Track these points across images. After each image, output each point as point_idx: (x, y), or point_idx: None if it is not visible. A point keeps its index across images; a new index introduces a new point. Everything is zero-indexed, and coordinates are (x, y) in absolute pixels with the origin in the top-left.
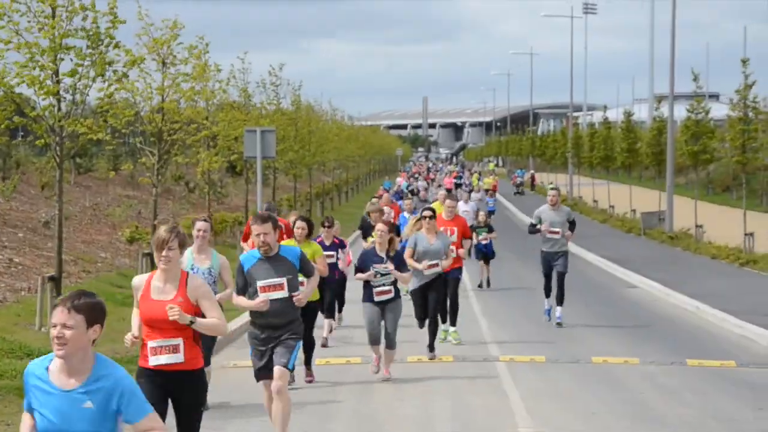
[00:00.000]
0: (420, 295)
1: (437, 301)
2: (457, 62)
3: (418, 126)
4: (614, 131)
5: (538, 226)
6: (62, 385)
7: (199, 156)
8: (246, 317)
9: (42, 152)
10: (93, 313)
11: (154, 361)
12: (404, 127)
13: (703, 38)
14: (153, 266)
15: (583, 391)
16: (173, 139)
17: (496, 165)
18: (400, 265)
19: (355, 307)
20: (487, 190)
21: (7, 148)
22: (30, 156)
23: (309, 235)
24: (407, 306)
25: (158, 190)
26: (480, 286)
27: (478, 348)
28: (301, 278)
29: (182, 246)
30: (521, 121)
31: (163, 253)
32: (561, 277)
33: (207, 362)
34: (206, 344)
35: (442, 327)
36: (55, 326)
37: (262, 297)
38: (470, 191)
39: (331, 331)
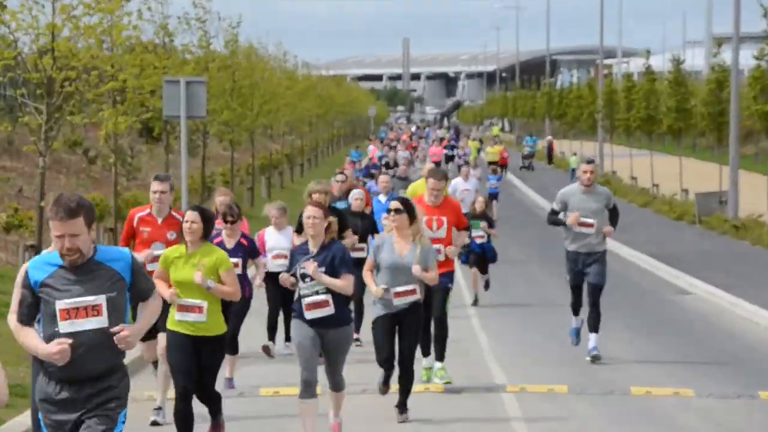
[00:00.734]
0: (385, 329)
1: (412, 338)
2: None
3: (397, 77)
4: (659, 84)
5: (562, 216)
6: None
7: (102, 114)
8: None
9: None
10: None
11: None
12: (378, 78)
13: None
14: None
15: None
16: (68, 92)
17: (501, 129)
18: (339, 264)
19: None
20: (490, 164)
21: None
22: None
23: (207, 234)
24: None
25: (46, 160)
26: (475, 302)
27: (477, 373)
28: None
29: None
30: (534, 70)
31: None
32: (595, 291)
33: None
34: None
35: (423, 363)
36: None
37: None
38: (467, 163)
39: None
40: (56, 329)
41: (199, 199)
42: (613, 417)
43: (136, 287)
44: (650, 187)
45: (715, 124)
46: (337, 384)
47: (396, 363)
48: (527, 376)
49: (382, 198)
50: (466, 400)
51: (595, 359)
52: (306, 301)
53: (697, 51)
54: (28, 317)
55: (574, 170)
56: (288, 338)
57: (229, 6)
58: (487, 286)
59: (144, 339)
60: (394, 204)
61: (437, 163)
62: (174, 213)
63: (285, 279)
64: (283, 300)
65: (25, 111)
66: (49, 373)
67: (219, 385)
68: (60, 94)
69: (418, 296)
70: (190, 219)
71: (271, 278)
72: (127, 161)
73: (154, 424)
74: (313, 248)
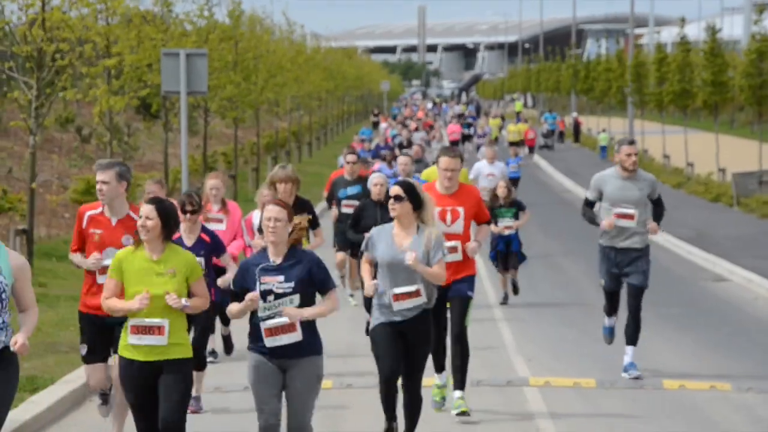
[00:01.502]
0: (384, 340)
1: (419, 357)
2: None
3: (412, 49)
4: (694, 56)
5: (598, 215)
6: None
7: (97, 91)
8: None
9: None
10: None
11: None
12: (392, 50)
13: None
14: (29, 247)
15: (651, 430)
16: (60, 66)
17: (525, 105)
18: (322, 282)
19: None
20: (512, 144)
21: None
22: None
23: (168, 233)
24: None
25: (37, 138)
26: (505, 300)
27: (498, 365)
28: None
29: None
30: (560, 41)
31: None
32: (638, 294)
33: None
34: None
35: (436, 380)
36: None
37: None
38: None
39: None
40: None
41: (200, 181)
42: (644, 413)
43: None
44: (684, 167)
45: (755, 98)
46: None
47: (400, 386)
48: (552, 370)
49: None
50: (486, 394)
51: (632, 375)
52: (266, 324)
53: (736, 19)
54: None
55: (604, 148)
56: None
57: None
58: (516, 290)
59: (89, 361)
60: (395, 189)
61: (454, 142)
62: (132, 213)
63: (250, 300)
64: None
65: (14, 86)
66: None
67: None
68: (51, 68)
69: (423, 299)
70: (144, 214)
71: None
72: (124, 140)
73: None
74: (275, 258)
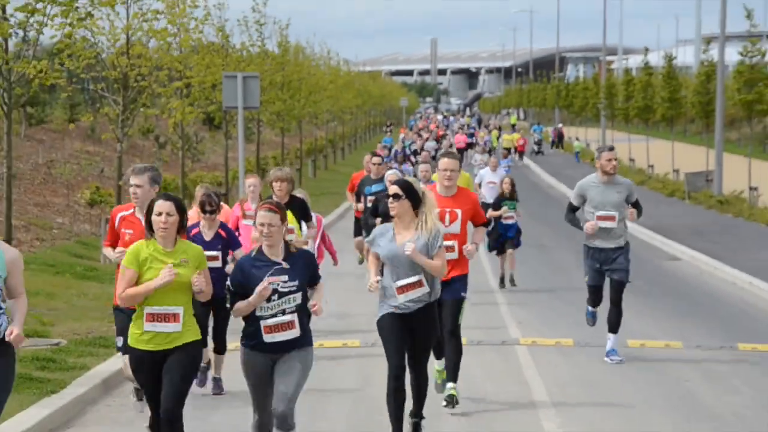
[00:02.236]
0: (392, 329)
1: (426, 342)
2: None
3: (426, 72)
4: (655, 78)
5: (581, 219)
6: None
7: (171, 106)
8: None
9: None
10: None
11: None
12: (410, 73)
13: None
14: None
15: (617, 380)
16: (141, 87)
17: (517, 118)
18: (312, 273)
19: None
20: (507, 150)
21: None
22: None
23: (184, 227)
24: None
25: (123, 145)
26: (502, 283)
27: (495, 328)
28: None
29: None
30: (546, 66)
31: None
32: (620, 288)
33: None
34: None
35: (436, 365)
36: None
37: None
38: (489, 151)
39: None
40: None
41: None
42: (612, 366)
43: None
44: (646, 168)
45: (703, 113)
46: (284, 420)
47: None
48: (538, 332)
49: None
50: (485, 352)
51: (616, 361)
52: (267, 322)
53: (689, 48)
54: None
55: (577, 153)
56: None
57: (280, 10)
58: (513, 282)
59: (125, 352)
60: (393, 189)
61: (460, 150)
62: None
63: (266, 284)
64: None
65: (105, 103)
66: None
67: (207, 388)
68: (134, 89)
69: (426, 289)
70: (165, 210)
71: None
72: (193, 146)
73: None
74: (275, 258)
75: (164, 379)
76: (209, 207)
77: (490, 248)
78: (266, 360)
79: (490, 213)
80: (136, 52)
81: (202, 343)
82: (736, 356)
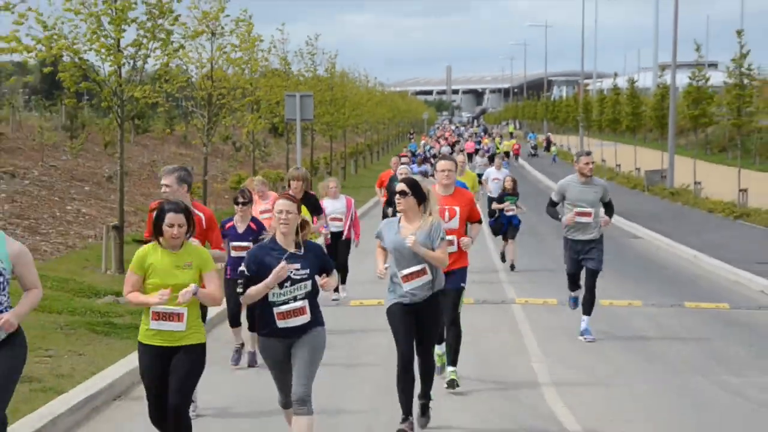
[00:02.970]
0: (400, 317)
1: (432, 329)
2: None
3: (443, 92)
4: (621, 97)
5: (560, 213)
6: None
7: (245, 119)
8: None
9: (105, 114)
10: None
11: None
12: (429, 93)
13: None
14: None
15: (591, 328)
16: (221, 103)
17: (514, 128)
18: (323, 264)
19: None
20: (507, 153)
21: (74, 110)
22: (94, 117)
23: (190, 233)
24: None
25: (208, 149)
26: (503, 258)
27: (497, 292)
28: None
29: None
30: (536, 87)
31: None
32: (593, 276)
33: None
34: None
35: (437, 349)
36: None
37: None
38: (492, 156)
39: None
40: None
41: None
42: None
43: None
44: (614, 167)
45: (659, 124)
46: (303, 403)
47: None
48: (529, 293)
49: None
50: (487, 309)
51: (589, 340)
52: (280, 309)
53: (648, 74)
54: None
55: (555, 155)
56: (343, 281)
57: (328, 43)
58: (512, 267)
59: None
60: (400, 186)
61: (469, 154)
62: (193, 209)
63: (282, 268)
64: (336, 253)
65: (194, 116)
66: None
67: (240, 362)
68: (216, 105)
69: (429, 276)
70: (177, 222)
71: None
72: (261, 149)
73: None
74: (288, 247)
75: (171, 378)
76: (242, 199)
77: (495, 234)
78: (282, 345)
79: (494, 206)
80: (217, 77)
81: (202, 346)
82: (683, 312)
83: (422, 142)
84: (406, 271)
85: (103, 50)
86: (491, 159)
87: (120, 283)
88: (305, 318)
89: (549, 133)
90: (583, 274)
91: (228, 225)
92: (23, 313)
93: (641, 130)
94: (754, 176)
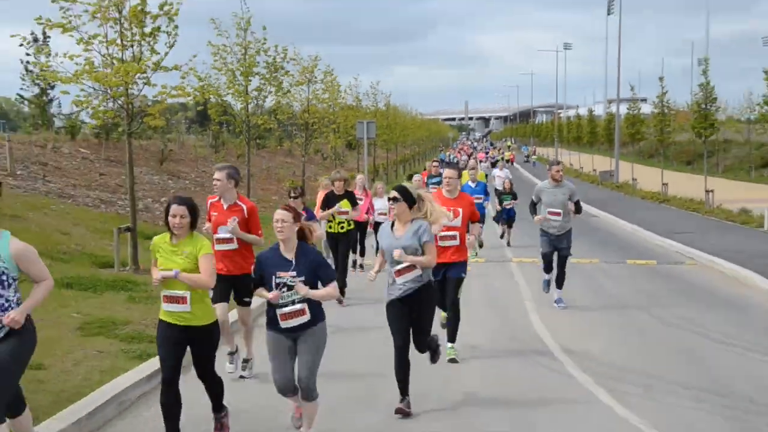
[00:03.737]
0: (395, 314)
1: (425, 322)
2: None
3: (462, 119)
4: (582, 121)
5: (538, 211)
6: None
7: (329, 138)
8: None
9: (237, 136)
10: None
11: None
12: (453, 119)
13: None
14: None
15: (567, 282)
16: (314, 128)
17: (511, 143)
18: (323, 271)
19: None
20: (507, 161)
21: (217, 134)
22: (230, 138)
23: (194, 224)
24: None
25: (305, 159)
26: (502, 237)
27: (499, 255)
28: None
29: None
30: (525, 116)
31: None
32: (564, 259)
33: None
34: None
35: (441, 313)
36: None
37: None
38: (495, 162)
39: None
40: None
41: (372, 175)
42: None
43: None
44: (579, 168)
45: (608, 139)
46: (309, 391)
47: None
48: (523, 255)
49: (471, 183)
50: (488, 266)
51: (561, 307)
52: (282, 311)
53: (601, 105)
54: None
55: (535, 161)
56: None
57: (386, 85)
58: (509, 244)
59: (215, 301)
60: (392, 193)
61: (480, 161)
62: (239, 201)
63: (274, 296)
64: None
65: (296, 136)
66: None
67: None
68: (311, 129)
69: (418, 271)
70: (179, 213)
71: (375, 226)
72: (340, 158)
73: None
74: (287, 254)
75: (193, 357)
76: (293, 193)
77: (498, 220)
78: (287, 339)
79: (496, 207)
80: (312, 110)
81: (217, 323)
82: (626, 267)
83: (448, 153)
84: (397, 267)
85: (236, 94)
86: (493, 164)
87: None
88: (305, 318)
89: (534, 147)
90: (555, 257)
91: None
92: (29, 307)
93: (596, 143)
94: (672, 175)
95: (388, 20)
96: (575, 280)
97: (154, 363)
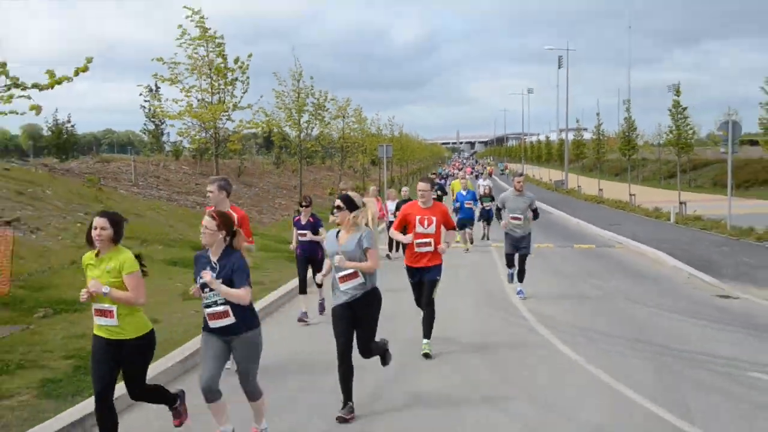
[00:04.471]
0: (338, 318)
1: (367, 328)
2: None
3: (455, 143)
4: (540, 145)
5: (502, 220)
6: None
7: (359, 157)
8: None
9: (292, 156)
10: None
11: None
12: (448, 143)
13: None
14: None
15: (533, 263)
16: (347, 150)
17: (491, 160)
18: (236, 274)
19: None
20: (488, 174)
21: (278, 154)
22: (287, 157)
23: (117, 238)
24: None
25: (341, 172)
26: (482, 237)
27: (482, 244)
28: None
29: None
30: (501, 140)
31: None
32: (524, 258)
33: None
34: None
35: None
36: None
37: None
38: (478, 175)
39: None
40: None
41: (386, 185)
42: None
43: None
44: (539, 179)
45: (560, 158)
46: (251, 393)
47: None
48: (500, 244)
49: (463, 191)
50: (476, 252)
51: (522, 297)
52: (207, 311)
53: (554, 134)
54: None
55: (505, 173)
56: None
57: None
58: (487, 237)
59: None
60: (337, 202)
61: (468, 173)
62: (231, 210)
63: (195, 291)
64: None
65: (335, 156)
66: None
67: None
68: (345, 151)
69: (361, 279)
70: (99, 225)
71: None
72: (366, 171)
73: None
74: (213, 257)
75: (123, 373)
76: (304, 203)
77: (478, 219)
78: (218, 340)
79: (479, 205)
80: (346, 137)
81: (150, 335)
82: (573, 250)
83: (444, 168)
84: (341, 273)
85: (292, 125)
86: (477, 176)
87: None
88: (230, 320)
89: (507, 163)
90: (517, 256)
91: (296, 218)
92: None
93: (551, 160)
94: (606, 183)
95: (402, 72)
96: (537, 260)
97: None
